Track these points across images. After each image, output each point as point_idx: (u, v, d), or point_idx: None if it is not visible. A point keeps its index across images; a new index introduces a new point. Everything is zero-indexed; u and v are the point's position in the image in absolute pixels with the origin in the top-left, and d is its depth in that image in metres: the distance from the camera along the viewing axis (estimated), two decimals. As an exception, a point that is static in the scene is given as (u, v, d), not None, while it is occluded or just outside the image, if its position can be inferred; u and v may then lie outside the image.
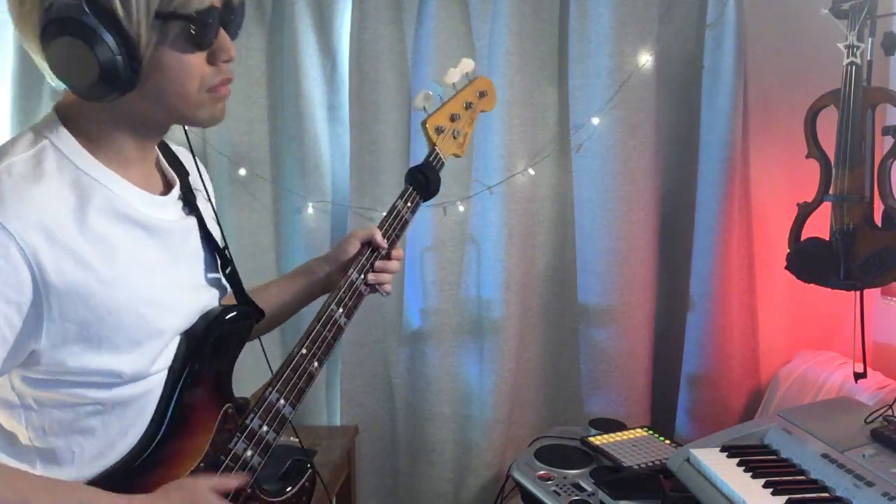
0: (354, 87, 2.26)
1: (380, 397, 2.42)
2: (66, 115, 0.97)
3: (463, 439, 2.37)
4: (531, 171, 2.28)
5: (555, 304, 2.40)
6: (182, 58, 0.94)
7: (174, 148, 1.15)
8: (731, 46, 2.13)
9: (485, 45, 2.25)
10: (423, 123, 1.42)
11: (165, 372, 1.03)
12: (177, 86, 0.95)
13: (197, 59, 0.95)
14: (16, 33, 0.96)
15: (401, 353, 2.39)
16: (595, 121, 2.22)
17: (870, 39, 1.74)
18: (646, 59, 2.19)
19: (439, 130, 1.44)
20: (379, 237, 1.30)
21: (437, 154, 1.43)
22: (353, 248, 1.30)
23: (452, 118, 1.46)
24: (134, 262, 0.97)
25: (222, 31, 0.97)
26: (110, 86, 0.91)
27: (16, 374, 0.94)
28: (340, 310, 1.22)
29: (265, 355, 1.27)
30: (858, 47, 1.73)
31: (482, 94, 1.53)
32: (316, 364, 1.17)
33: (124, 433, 1.00)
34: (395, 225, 1.34)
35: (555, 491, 1.81)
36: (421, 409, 2.37)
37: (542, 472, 1.89)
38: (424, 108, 1.42)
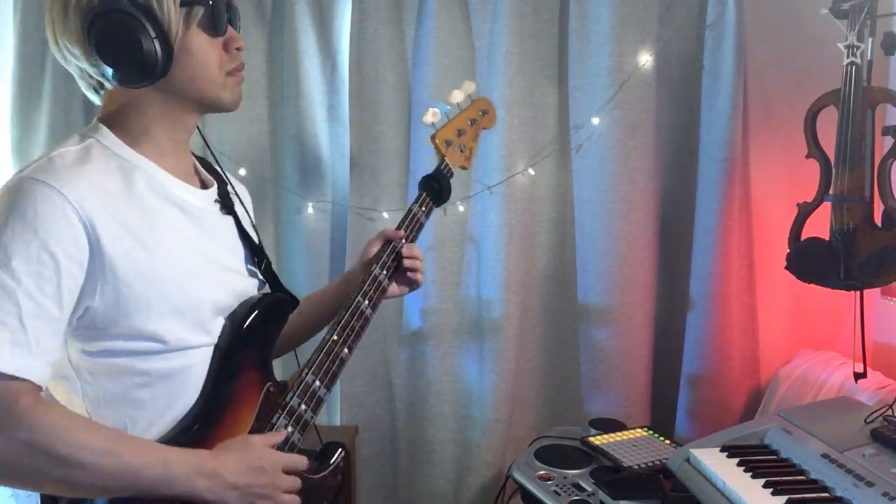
0: (354, 87, 2.26)
1: (380, 397, 2.41)
2: (109, 121, 1.12)
3: (463, 439, 2.37)
4: (531, 171, 2.28)
5: (555, 304, 2.40)
6: (204, 43, 1.11)
7: (219, 168, 1.30)
8: (731, 46, 2.13)
9: (485, 45, 2.25)
10: (433, 137, 1.59)
11: (210, 350, 1.13)
12: (203, 68, 1.11)
13: (215, 46, 1.12)
14: (51, 45, 1.10)
15: (401, 353, 2.39)
16: (595, 121, 2.22)
17: (870, 39, 1.74)
18: (646, 59, 2.19)
19: (448, 143, 1.61)
20: (391, 230, 1.46)
21: (448, 164, 1.60)
22: (372, 250, 1.45)
23: (459, 133, 1.64)
24: (174, 236, 1.10)
25: (230, 27, 1.14)
26: (150, 69, 1.06)
27: (75, 347, 1.04)
28: (366, 301, 1.34)
29: (295, 352, 1.41)
30: (858, 47, 1.73)
31: (484, 113, 1.72)
32: (346, 350, 1.28)
33: (172, 405, 1.10)
34: (412, 226, 1.50)
35: (555, 491, 1.81)
36: (421, 409, 2.37)
37: (542, 472, 1.89)
38: (433, 123, 1.60)
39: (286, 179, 2.34)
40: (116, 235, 1.02)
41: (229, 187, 1.27)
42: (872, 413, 1.60)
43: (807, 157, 1.89)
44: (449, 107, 1.64)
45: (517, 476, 1.91)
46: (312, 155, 2.29)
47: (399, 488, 2.45)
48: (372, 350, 2.38)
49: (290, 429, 1.17)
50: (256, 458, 1.09)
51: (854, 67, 1.74)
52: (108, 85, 1.11)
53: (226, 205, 1.23)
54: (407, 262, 1.45)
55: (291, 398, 1.19)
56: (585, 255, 2.31)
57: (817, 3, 1.84)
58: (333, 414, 2.42)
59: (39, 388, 0.99)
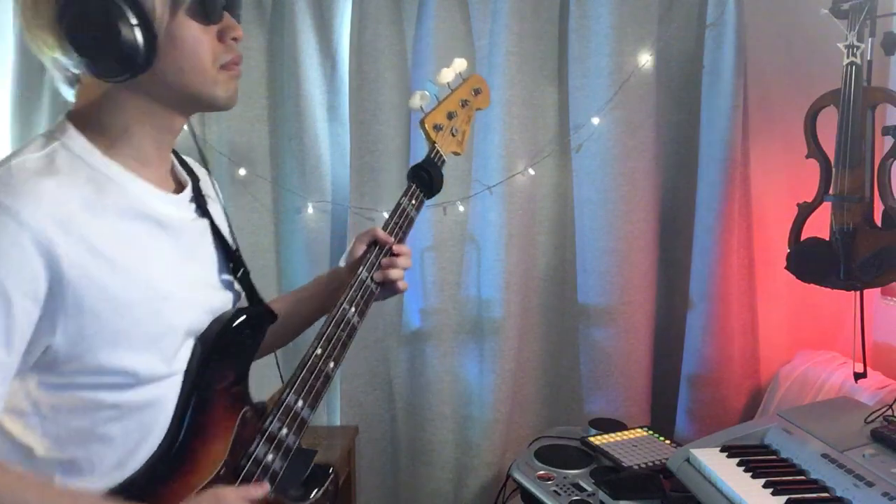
0: (354, 87, 2.26)
1: (380, 397, 2.41)
2: (81, 119, 0.99)
3: (463, 439, 2.37)
4: (531, 171, 2.28)
5: (555, 304, 2.40)
6: (194, 31, 0.96)
7: (184, 157, 1.16)
8: (731, 46, 2.13)
9: (485, 45, 2.25)
10: (422, 122, 1.44)
11: (181, 376, 1.02)
12: (192, 60, 0.97)
13: (208, 35, 0.98)
14: (24, 33, 0.97)
15: (401, 353, 2.39)
16: (595, 121, 2.22)
17: (870, 39, 1.74)
18: (646, 59, 2.19)
19: (438, 128, 1.45)
20: (381, 233, 1.30)
21: (438, 151, 1.44)
22: (359, 250, 1.30)
23: (450, 116, 1.48)
24: (149, 257, 0.98)
25: (227, 14, 1.00)
26: (129, 60, 0.92)
27: (33, 379, 0.93)
28: (353, 309, 1.21)
29: (277, 364, 1.28)
30: (858, 47, 1.73)
31: (477, 92, 1.56)
32: (332, 364, 1.16)
33: (143, 440, 0.99)
34: (401, 223, 1.34)
35: (555, 491, 1.81)
36: (421, 409, 2.37)
37: (542, 472, 1.89)
38: (421, 107, 1.44)
39: (286, 179, 2.34)
40: (82, 262, 0.90)
41: (202, 182, 1.14)
42: (872, 413, 1.60)
43: (807, 157, 1.89)
44: (438, 87, 1.49)
45: (517, 476, 1.91)
46: (312, 155, 2.29)
47: (399, 488, 2.44)
48: (372, 350, 2.38)
49: (270, 457, 1.07)
50: None
51: (854, 67, 1.74)
52: (83, 77, 0.98)
53: (199, 204, 1.10)
54: (383, 262, 1.29)
55: (271, 423, 1.08)
56: (585, 255, 2.31)
57: (817, 3, 1.84)
58: (333, 414, 2.42)
59: None
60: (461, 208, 2.30)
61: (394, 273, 1.29)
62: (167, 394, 1.00)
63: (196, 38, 0.97)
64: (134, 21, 0.91)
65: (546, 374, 2.43)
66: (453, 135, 1.49)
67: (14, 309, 0.86)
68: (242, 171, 2.30)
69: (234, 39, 1.02)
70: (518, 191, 2.27)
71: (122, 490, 0.96)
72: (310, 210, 2.31)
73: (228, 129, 2.28)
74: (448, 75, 1.49)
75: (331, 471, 1.21)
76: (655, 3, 2.21)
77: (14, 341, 0.87)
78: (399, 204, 1.36)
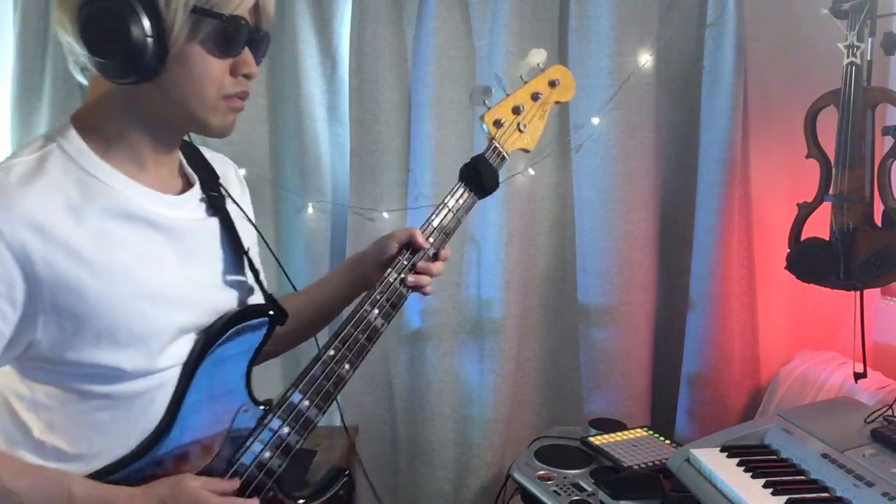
0: (354, 87, 2.26)
1: (380, 397, 2.41)
2: (83, 122, 1.01)
3: (463, 439, 2.37)
4: (531, 171, 2.28)
5: (555, 304, 2.40)
6: (207, 58, 0.97)
7: (208, 154, 1.17)
8: (731, 46, 2.13)
9: (485, 45, 2.24)
10: (482, 117, 1.35)
11: (179, 368, 1.03)
12: (197, 85, 0.98)
13: (221, 65, 0.99)
14: (54, 14, 0.99)
15: (401, 353, 2.39)
16: (595, 121, 2.22)
17: (870, 39, 1.74)
18: (646, 59, 2.19)
19: (498, 124, 1.35)
20: (420, 238, 1.22)
21: (497, 148, 1.34)
22: (391, 249, 1.23)
23: (516, 110, 1.37)
24: (139, 259, 0.98)
25: (247, 49, 1.01)
26: (134, 66, 0.93)
27: (26, 368, 0.96)
28: (375, 311, 1.18)
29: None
30: (858, 47, 1.73)
31: (553, 84, 1.43)
32: (346, 367, 1.14)
33: (135, 428, 1.00)
34: (443, 226, 1.26)
35: (555, 491, 1.81)
36: (421, 409, 2.37)
37: (542, 472, 1.89)
38: (485, 102, 1.35)
39: (286, 179, 2.34)
40: (60, 266, 0.92)
41: (222, 180, 1.15)
42: (872, 413, 1.60)
43: (807, 157, 1.89)
44: (506, 81, 1.41)
45: (517, 476, 1.91)
46: (312, 155, 2.29)
47: (399, 488, 2.44)
48: (372, 350, 2.37)
49: (267, 454, 1.07)
50: (166, 495, 0.96)
51: (854, 67, 1.74)
52: (90, 74, 1.00)
53: (212, 203, 1.10)
54: (420, 266, 1.23)
55: (270, 419, 1.08)
56: (585, 255, 2.31)
57: (817, 3, 1.84)
58: (333, 414, 2.42)
59: None
60: (461, 208, 2.30)
61: (424, 279, 1.23)
62: (162, 384, 1.01)
63: (206, 66, 0.98)
64: (149, 32, 0.92)
65: (546, 374, 2.43)
66: (521, 130, 1.38)
67: None
68: (242, 171, 2.28)
69: (247, 76, 1.03)
70: (518, 191, 2.27)
71: (106, 473, 0.98)
72: (310, 210, 2.31)
73: (228, 129, 2.27)
74: (524, 67, 1.40)
75: (346, 473, 1.20)
76: (655, 3, 2.21)
77: None
78: (443, 203, 1.27)
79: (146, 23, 0.92)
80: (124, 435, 1.00)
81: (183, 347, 1.03)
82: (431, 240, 1.24)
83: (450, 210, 1.27)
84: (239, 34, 0.98)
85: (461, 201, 1.28)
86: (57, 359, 0.95)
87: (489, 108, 1.35)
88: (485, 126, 1.35)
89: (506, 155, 1.35)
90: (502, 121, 1.36)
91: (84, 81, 1.04)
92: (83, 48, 0.94)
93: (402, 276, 1.21)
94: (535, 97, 1.40)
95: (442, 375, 2.35)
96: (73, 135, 0.99)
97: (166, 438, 1.01)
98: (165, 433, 1.01)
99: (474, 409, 2.34)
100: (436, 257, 1.26)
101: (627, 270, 2.27)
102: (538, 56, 1.41)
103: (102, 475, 0.98)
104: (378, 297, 1.18)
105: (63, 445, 0.98)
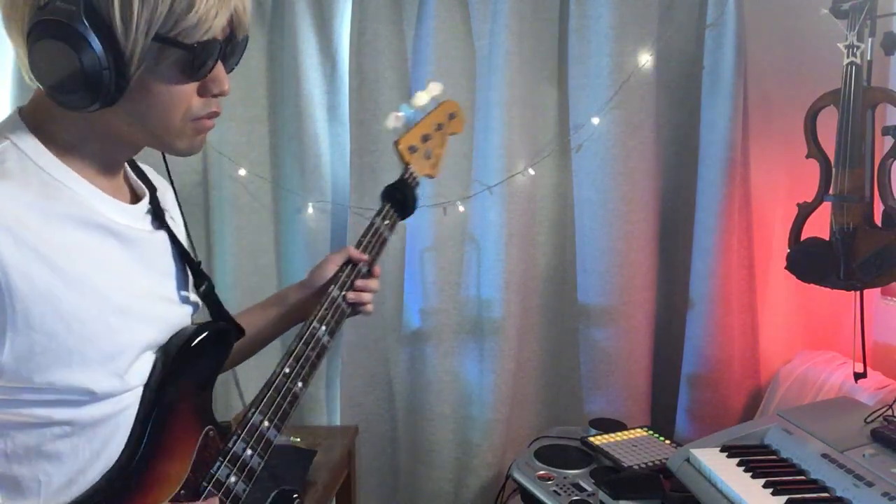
0: (354, 87, 2.26)
1: (380, 397, 2.41)
2: (33, 119, 0.90)
3: (463, 439, 2.37)
4: (531, 171, 2.28)
5: (555, 304, 2.40)
6: (171, 85, 0.88)
7: (141, 165, 1.09)
8: (731, 46, 2.13)
9: (485, 45, 2.25)
10: (396, 143, 1.46)
11: (140, 390, 0.95)
12: (160, 112, 0.89)
13: (187, 89, 0.90)
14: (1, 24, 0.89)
15: (401, 353, 2.39)
16: (595, 121, 2.22)
17: (870, 39, 1.74)
18: (646, 59, 2.19)
19: (413, 150, 1.47)
20: (356, 252, 1.29)
21: (412, 172, 1.46)
22: (329, 270, 1.28)
23: (424, 138, 1.49)
24: (103, 269, 0.90)
25: (219, 64, 0.91)
26: (90, 97, 0.84)
27: None
28: (323, 327, 1.19)
29: (237, 384, 1.22)
30: (858, 47, 1.74)
31: (451, 116, 1.56)
32: (300, 384, 1.13)
33: (96, 458, 0.91)
34: (374, 242, 1.34)
35: (555, 491, 1.81)
36: (421, 409, 2.37)
37: (542, 472, 1.89)
38: (397, 129, 1.47)
39: (286, 179, 2.34)
40: (34, 273, 0.82)
41: (158, 193, 1.06)
42: (872, 413, 1.61)
43: (807, 157, 1.89)
44: (413, 110, 1.51)
45: (517, 476, 1.91)
46: (312, 155, 2.29)
47: (399, 488, 2.45)
48: (372, 350, 2.38)
49: (232, 478, 1.01)
50: None
51: (854, 67, 1.74)
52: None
53: (157, 216, 1.03)
54: (358, 283, 1.28)
55: (235, 443, 1.03)
56: (585, 255, 2.31)
57: (817, 3, 1.84)
58: (333, 414, 2.43)
59: None
60: (461, 208, 2.30)
61: (365, 296, 1.29)
62: (124, 410, 0.93)
63: (170, 93, 0.88)
64: (104, 63, 0.82)
65: (546, 374, 2.43)
66: (427, 158, 1.50)
67: None
68: (242, 171, 2.30)
69: (218, 94, 0.93)
70: (518, 191, 2.27)
71: None
72: (310, 210, 2.31)
73: (228, 129, 2.27)
74: (423, 98, 1.50)
75: (294, 497, 1.16)
76: (655, 3, 2.21)
77: None
78: (372, 223, 1.36)
79: (100, 53, 0.81)
80: (84, 465, 0.90)
81: (144, 366, 0.96)
82: (366, 256, 1.31)
83: (379, 229, 1.36)
84: (207, 61, 0.88)
85: (387, 221, 1.38)
86: (20, 382, 0.83)
87: (401, 135, 1.46)
88: (400, 152, 1.45)
89: (418, 180, 1.46)
90: (415, 147, 1.47)
91: (32, 83, 0.92)
92: (32, 78, 0.86)
93: (345, 292, 1.26)
94: (438, 127, 1.53)
95: (442, 375, 2.35)
96: (26, 133, 0.88)
97: (132, 467, 0.94)
98: (131, 462, 0.94)
99: (474, 409, 2.35)
100: (371, 274, 1.32)
101: (627, 270, 2.27)
102: (435, 88, 1.52)
103: None
104: (325, 313, 1.21)
105: (17, 478, 0.87)
